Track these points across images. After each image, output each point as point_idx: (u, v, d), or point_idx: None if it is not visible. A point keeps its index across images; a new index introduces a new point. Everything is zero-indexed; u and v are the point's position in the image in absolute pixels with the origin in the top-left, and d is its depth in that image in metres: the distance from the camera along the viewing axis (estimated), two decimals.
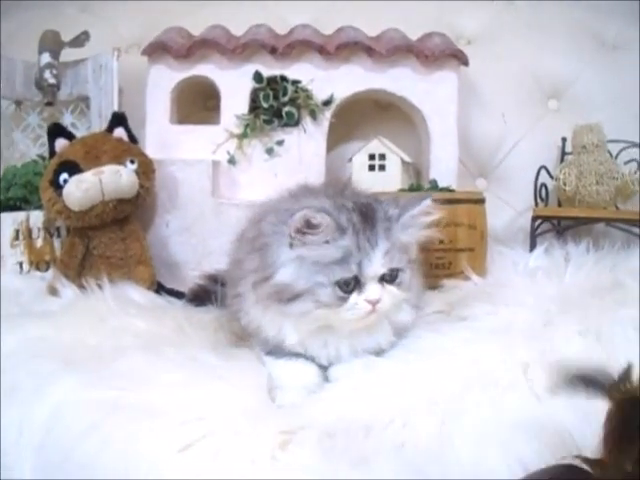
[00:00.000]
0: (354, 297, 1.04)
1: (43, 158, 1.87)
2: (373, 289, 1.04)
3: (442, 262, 1.51)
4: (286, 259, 1.04)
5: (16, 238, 1.75)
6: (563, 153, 1.93)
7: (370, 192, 1.19)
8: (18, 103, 2.03)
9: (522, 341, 1.07)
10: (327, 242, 1.02)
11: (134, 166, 1.61)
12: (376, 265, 1.04)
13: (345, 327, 1.07)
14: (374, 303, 1.04)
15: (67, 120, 1.96)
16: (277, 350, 1.12)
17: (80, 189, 1.53)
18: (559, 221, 1.84)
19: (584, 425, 0.88)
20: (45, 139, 1.95)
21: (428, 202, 1.11)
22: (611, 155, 1.84)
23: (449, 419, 0.92)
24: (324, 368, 1.12)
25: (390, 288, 1.06)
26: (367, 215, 1.06)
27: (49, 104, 1.95)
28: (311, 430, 0.91)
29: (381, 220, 1.06)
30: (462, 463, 0.86)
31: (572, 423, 0.90)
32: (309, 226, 1.01)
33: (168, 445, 0.89)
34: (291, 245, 1.03)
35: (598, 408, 0.73)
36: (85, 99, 1.98)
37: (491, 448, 0.87)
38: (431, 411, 0.93)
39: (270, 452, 0.87)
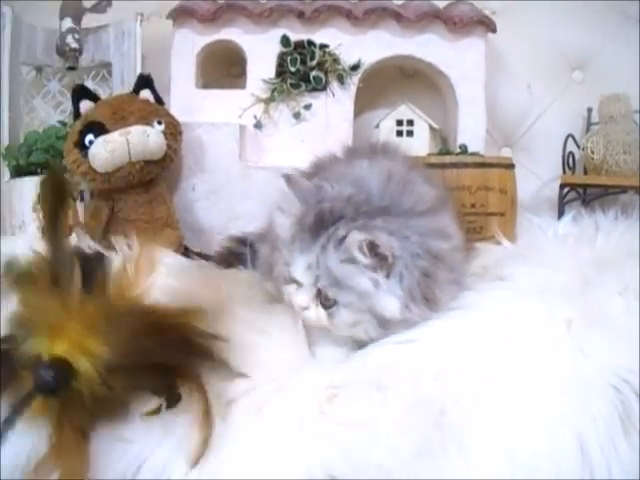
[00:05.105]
0: (292, 288, 1.03)
1: (64, 124, 1.85)
2: (301, 296, 1.01)
3: (473, 226, 1.50)
4: None
5: (38, 202, 1.73)
6: (589, 123, 1.92)
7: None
8: (39, 69, 2.01)
9: (563, 299, 1.06)
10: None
11: (161, 127, 1.58)
12: (297, 271, 1.00)
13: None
14: (300, 308, 1.02)
15: (88, 86, 1.93)
16: None
17: (107, 149, 1.51)
18: (585, 190, 1.83)
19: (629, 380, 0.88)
20: (65, 106, 1.96)
21: (355, 237, 0.96)
22: (637, 125, 1.83)
23: (496, 374, 0.91)
24: None
25: (320, 312, 1.01)
26: (321, 221, 0.99)
27: (71, 69, 1.93)
28: (359, 384, 0.90)
29: (326, 236, 0.98)
30: (509, 418, 0.85)
31: (617, 379, 0.89)
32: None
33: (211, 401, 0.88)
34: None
35: None
36: (107, 65, 1.96)
37: (537, 404, 0.87)
38: (477, 365, 0.93)
39: (318, 407, 0.87)
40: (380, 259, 0.96)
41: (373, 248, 0.95)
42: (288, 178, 1.05)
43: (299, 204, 1.03)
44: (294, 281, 1.02)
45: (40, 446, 0.83)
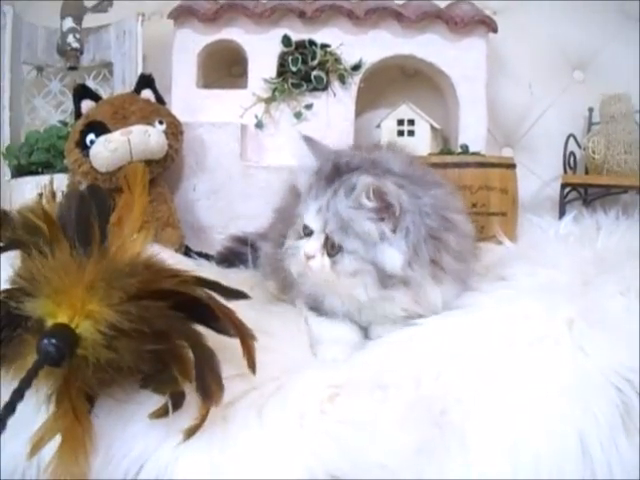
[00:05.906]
0: (303, 242, 1.04)
1: (65, 124, 1.85)
2: (310, 243, 1.02)
3: (474, 226, 1.49)
4: None
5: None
6: (590, 123, 1.92)
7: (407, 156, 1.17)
8: (40, 69, 2.01)
9: (564, 299, 1.06)
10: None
11: (163, 127, 1.59)
12: (309, 217, 1.02)
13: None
14: (307, 257, 1.02)
15: (89, 86, 1.93)
16: (318, 307, 1.11)
17: (108, 149, 1.51)
18: (586, 190, 1.84)
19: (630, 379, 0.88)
20: (66, 105, 1.97)
21: (363, 181, 0.97)
22: (638, 125, 1.83)
23: (497, 373, 0.91)
24: (364, 328, 1.10)
25: (325, 260, 1.01)
26: (337, 170, 1.02)
27: (72, 69, 1.94)
28: (360, 382, 0.90)
29: (340, 182, 1.00)
30: (510, 417, 0.85)
31: (619, 379, 0.89)
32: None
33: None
34: None
35: None
36: (108, 65, 1.97)
37: (538, 403, 0.86)
38: (479, 365, 0.92)
39: (319, 406, 0.86)
40: (386, 207, 0.97)
41: (380, 195, 0.96)
42: (308, 139, 1.08)
43: (317, 161, 1.06)
44: (306, 232, 1.03)
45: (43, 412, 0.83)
